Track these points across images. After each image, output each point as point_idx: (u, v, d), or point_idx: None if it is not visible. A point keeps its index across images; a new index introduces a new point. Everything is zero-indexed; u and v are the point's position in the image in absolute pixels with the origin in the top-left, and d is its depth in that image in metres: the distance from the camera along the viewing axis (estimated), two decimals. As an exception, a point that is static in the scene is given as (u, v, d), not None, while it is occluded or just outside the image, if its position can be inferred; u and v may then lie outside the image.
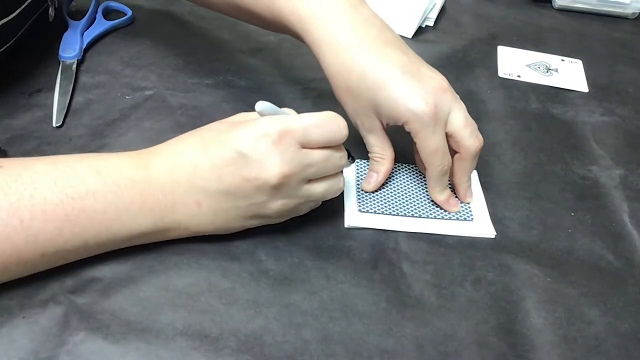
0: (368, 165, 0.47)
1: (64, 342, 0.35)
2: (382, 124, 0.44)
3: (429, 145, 0.42)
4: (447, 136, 0.42)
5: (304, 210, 0.41)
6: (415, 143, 0.43)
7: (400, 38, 0.45)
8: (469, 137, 0.42)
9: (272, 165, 0.36)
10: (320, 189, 0.40)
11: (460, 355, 0.37)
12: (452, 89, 0.43)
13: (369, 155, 0.46)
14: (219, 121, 0.40)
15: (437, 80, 0.42)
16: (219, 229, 0.40)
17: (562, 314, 0.40)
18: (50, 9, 0.55)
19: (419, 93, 0.41)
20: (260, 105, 0.38)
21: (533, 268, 0.43)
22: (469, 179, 0.46)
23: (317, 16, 0.43)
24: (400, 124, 0.42)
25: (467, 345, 0.38)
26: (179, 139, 0.40)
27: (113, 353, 0.35)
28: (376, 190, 0.47)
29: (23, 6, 0.47)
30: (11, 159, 0.37)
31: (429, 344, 0.37)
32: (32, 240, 0.34)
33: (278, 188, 0.37)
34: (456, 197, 0.46)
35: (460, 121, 0.42)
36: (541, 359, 0.37)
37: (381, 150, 0.45)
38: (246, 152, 0.36)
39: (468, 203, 0.46)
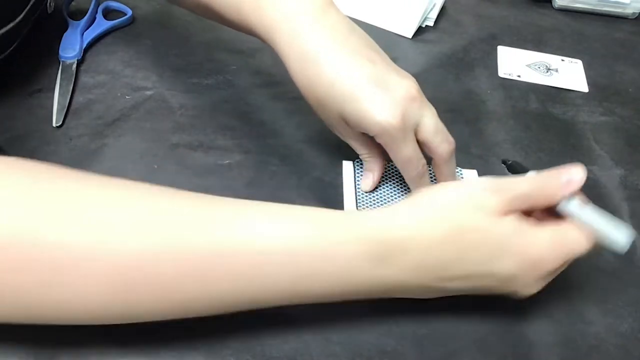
0: None
1: (64, 342, 0.35)
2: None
3: (401, 156, 0.41)
4: (419, 143, 0.42)
5: None
6: None
7: (368, 42, 0.43)
8: (440, 143, 0.42)
9: (534, 289, 0.36)
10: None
11: (460, 356, 0.37)
12: (421, 93, 0.42)
13: (360, 156, 0.46)
14: (472, 201, 0.35)
15: (404, 88, 0.41)
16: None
17: (562, 314, 0.40)
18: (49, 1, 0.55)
19: (386, 105, 0.39)
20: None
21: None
22: (453, 178, 0.45)
23: (282, 27, 0.42)
24: (371, 135, 0.42)
25: (467, 345, 0.38)
26: (429, 234, 0.34)
27: (113, 353, 0.35)
28: (376, 191, 0.47)
29: (27, 8, 0.47)
30: (237, 205, 0.36)
31: (429, 344, 0.38)
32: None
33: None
34: None
35: (429, 128, 0.41)
36: (541, 359, 0.37)
37: (368, 151, 0.45)
38: (515, 278, 0.35)
39: None
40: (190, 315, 0.33)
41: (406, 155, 0.41)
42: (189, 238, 0.32)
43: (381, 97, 0.40)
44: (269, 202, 0.36)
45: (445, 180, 0.44)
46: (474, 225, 0.34)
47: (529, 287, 0.36)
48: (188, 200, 0.35)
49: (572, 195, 0.36)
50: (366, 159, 0.46)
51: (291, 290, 0.34)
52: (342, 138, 0.45)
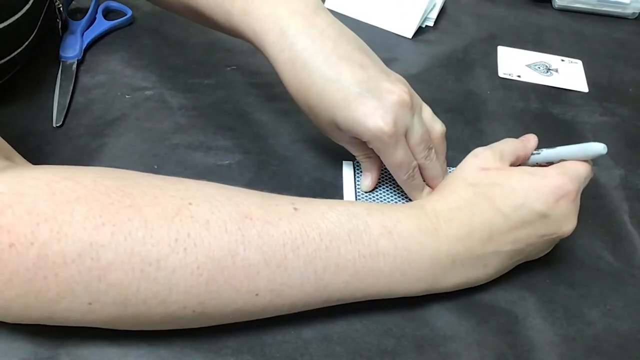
0: None
1: (64, 342, 0.35)
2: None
3: (393, 161, 0.42)
4: (410, 148, 0.42)
5: None
6: None
7: (359, 44, 0.43)
8: (423, 151, 0.43)
9: (570, 221, 0.39)
10: None
11: (460, 356, 0.37)
12: (413, 96, 0.42)
13: (356, 157, 0.46)
14: (477, 164, 0.41)
15: (396, 94, 0.40)
16: (479, 283, 0.40)
17: (561, 314, 0.40)
18: (58, 21, 0.55)
19: (377, 112, 0.40)
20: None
21: (533, 268, 0.43)
22: (441, 179, 0.46)
23: (272, 33, 0.41)
24: (362, 140, 0.42)
25: (467, 345, 0.38)
26: (461, 199, 0.38)
27: (113, 353, 0.35)
28: (376, 191, 0.47)
29: (28, 4, 0.47)
30: (300, 198, 0.37)
31: (428, 344, 0.38)
32: (321, 289, 0.35)
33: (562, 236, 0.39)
34: None
35: (417, 138, 0.42)
36: (541, 359, 0.38)
37: (363, 152, 0.45)
38: (548, 214, 0.37)
39: None
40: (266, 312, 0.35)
41: (397, 159, 0.42)
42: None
43: (372, 103, 0.40)
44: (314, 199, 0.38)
45: (433, 182, 0.45)
46: (492, 180, 0.39)
47: (565, 219, 0.38)
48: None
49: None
50: (363, 160, 0.46)
51: (355, 271, 0.35)
52: (336, 141, 0.45)
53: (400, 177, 0.43)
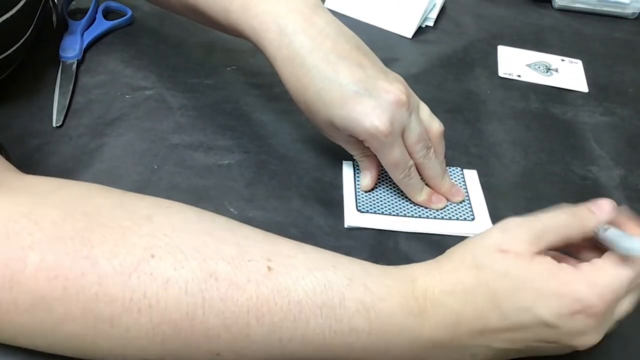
0: None
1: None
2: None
3: (389, 160, 0.42)
4: (407, 147, 0.42)
5: None
6: None
7: (357, 43, 0.43)
8: (421, 149, 0.43)
9: (588, 337, 0.32)
10: (620, 312, 0.34)
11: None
12: (410, 99, 0.42)
13: (354, 157, 0.46)
14: (497, 243, 0.33)
15: (393, 94, 0.40)
16: None
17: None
18: (53, 15, 0.55)
19: (375, 112, 0.40)
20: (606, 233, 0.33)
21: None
22: (445, 179, 0.46)
23: (271, 30, 0.42)
24: (359, 139, 0.42)
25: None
26: (459, 282, 0.33)
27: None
28: (375, 191, 0.47)
29: (21, 2, 0.47)
30: (279, 249, 0.33)
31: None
32: (287, 356, 0.32)
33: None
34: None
35: (414, 137, 0.42)
36: (541, 360, 0.37)
37: (361, 151, 0.45)
38: (557, 325, 0.31)
39: (459, 202, 0.46)
40: None
41: (394, 159, 0.42)
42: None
43: (369, 103, 0.40)
44: (304, 247, 0.35)
45: (432, 181, 0.45)
46: (504, 271, 0.32)
47: (584, 335, 0.32)
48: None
49: (606, 223, 0.34)
50: (360, 159, 0.46)
51: (323, 344, 0.32)
52: (333, 140, 0.45)
53: (396, 177, 0.43)
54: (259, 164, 0.48)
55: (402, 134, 0.41)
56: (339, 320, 0.32)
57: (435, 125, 0.44)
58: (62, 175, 0.45)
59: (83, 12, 0.60)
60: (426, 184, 0.45)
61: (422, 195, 0.45)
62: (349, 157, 0.48)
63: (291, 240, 0.35)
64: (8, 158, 0.42)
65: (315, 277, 0.32)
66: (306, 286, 0.31)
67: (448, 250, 0.35)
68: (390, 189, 0.47)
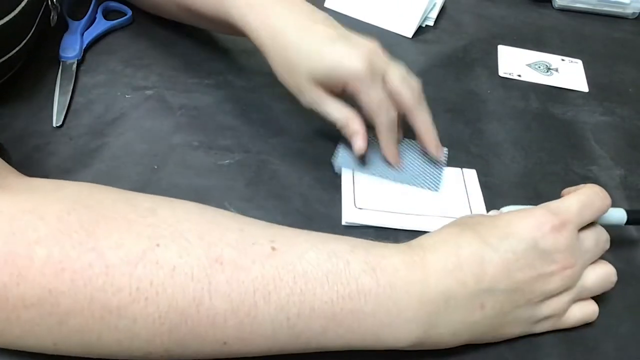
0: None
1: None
2: (328, 91, 0.45)
3: (372, 100, 0.43)
4: (393, 89, 0.44)
5: (568, 311, 0.38)
6: (359, 103, 0.44)
7: (332, 21, 0.46)
8: (407, 89, 0.44)
9: (575, 255, 0.36)
10: (592, 279, 0.38)
11: (459, 355, 0.37)
12: (384, 54, 0.44)
13: (337, 125, 0.46)
14: (466, 217, 0.39)
15: (369, 44, 0.44)
16: (484, 338, 0.37)
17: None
18: (52, 14, 0.55)
19: (353, 53, 0.42)
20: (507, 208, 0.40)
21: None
22: (430, 129, 0.46)
23: (255, 6, 0.46)
24: (340, 87, 0.44)
25: (466, 345, 0.38)
26: (447, 233, 0.36)
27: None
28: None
29: (23, 3, 0.47)
30: (282, 232, 0.35)
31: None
32: (295, 337, 0.32)
33: (565, 281, 0.36)
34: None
35: (395, 77, 0.44)
36: (541, 360, 0.37)
37: (341, 112, 0.45)
38: (536, 242, 0.35)
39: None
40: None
41: (377, 98, 0.43)
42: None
43: (347, 48, 0.43)
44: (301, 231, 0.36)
45: (423, 130, 0.46)
46: (480, 219, 0.38)
47: (567, 252, 0.35)
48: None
49: None
50: (343, 123, 0.45)
51: (332, 313, 0.32)
52: (316, 107, 0.45)
53: (380, 119, 0.44)
54: (259, 163, 0.48)
55: (384, 80, 0.43)
56: (346, 284, 0.32)
57: (413, 82, 0.45)
58: (62, 175, 0.45)
59: (83, 12, 0.60)
60: (422, 142, 0.47)
61: (395, 153, 0.47)
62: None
63: (291, 228, 0.36)
64: (8, 158, 0.43)
65: (318, 249, 0.33)
66: (310, 258, 0.32)
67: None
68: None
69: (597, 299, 0.41)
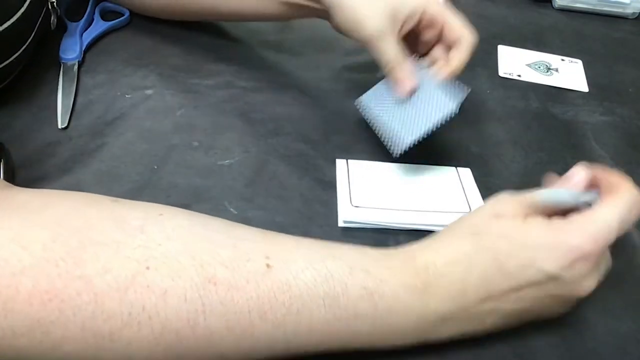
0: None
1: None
2: (395, 30, 0.46)
3: (458, 21, 0.48)
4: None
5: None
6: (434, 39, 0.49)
7: None
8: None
9: (588, 283, 0.34)
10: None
11: (459, 356, 0.37)
12: None
13: (386, 68, 0.46)
14: (492, 210, 0.35)
15: None
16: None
17: (561, 315, 0.40)
18: (52, 17, 0.55)
19: None
20: (544, 196, 0.35)
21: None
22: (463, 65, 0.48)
23: None
24: (417, 16, 0.47)
25: (466, 345, 0.38)
26: (461, 253, 0.34)
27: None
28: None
29: (24, 6, 0.47)
30: (277, 244, 0.34)
31: (428, 344, 0.37)
32: (293, 349, 0.32)
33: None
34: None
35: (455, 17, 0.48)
36: (541, 360, 0.37)
37: (396, 55, 0.46)
38: (560, 275, 0.33)
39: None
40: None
41: (460, 21, 0.49)
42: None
43: None
44: (300, 239, 0.35)
45: (461, 58, 0.48)
46: (502, 231, 0.34)
47: (582, 280, 0.34)
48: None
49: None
50: (395, 67, 0.46)
51: (329, 333, 0.32)
52: (374, 43, 0.46)
53: (469, 36, 0.48)
54: (259, 163, 0.48)
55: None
56: (343, 308, 0.32)
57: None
58: (63, 175, 0.45)
59: (80, 13, 0.60)
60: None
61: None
62: (347, 157, 0.48)
63: (288, 236, 0.35)
64: (9, 158, 0.43)
65: (315, 269, 0.32)
66: (306, 279, 0.32)
67: (444, 228, 0.37)
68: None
69: (597, 300, 0.41)
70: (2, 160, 0.41)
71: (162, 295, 0.29)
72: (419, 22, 0.48)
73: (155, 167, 0.47)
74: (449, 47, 0.49)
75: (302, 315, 0.31)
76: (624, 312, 0.41)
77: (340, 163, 0.49)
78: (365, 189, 0.46)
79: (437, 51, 0.50)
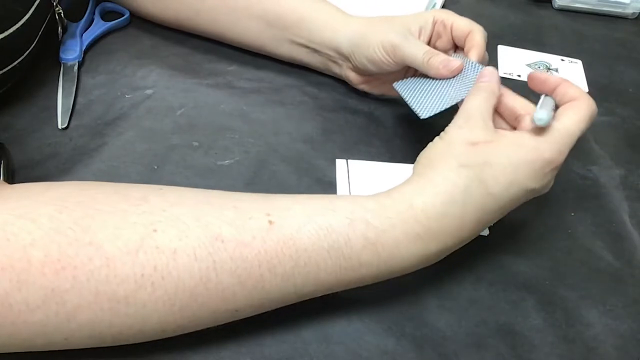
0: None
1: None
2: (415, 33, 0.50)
3: (464, 19, 0.50)
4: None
5: None
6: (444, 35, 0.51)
7: None
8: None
9: (552, 182, 0.39)
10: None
11: (459, 356, 0.37)
12: None
13: (423, 63, 0.47)
14: (468, 137, 0.37)
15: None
16: None
17: (561, 315, 0.40)
18: (58, 28, 0.56)
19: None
20: (541, 117, 0.37)
21: (533, 268, 0.43)
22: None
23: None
24: (430, 26, 0.50)
25: (466, 345, 0.38)
26: (454, 186, 0.36)
27: (108, 354, 0.35)
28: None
29: (29, 13, 0.47)
30: (276, 202, 0.35)
31: (428, 344, 0.38)
32: (303, 296, 0.35)
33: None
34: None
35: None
36: (541, 360, 0.38)
37: (424, 48, 0.48)
38: (536, 187, 0.37)
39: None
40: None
41: (465, 20, 0.51)
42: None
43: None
44: (299, 196, 0.36)
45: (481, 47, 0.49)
46: (484, 158, 0.36)
47: (550, 183, 0.39)
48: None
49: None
50: (431, 56, 0.47)
51: (337, 281, 0.34)
52: (403, 50, 0.48)
53: (481, 29, 0.50)
54: (259, 164, 0.48)
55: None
56: (348, 258, 0.34)
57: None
58: (63, 175, 0.45)
59: (81, 13, 0.60)
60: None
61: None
62: (346, 157, 0.48)
63: (285, 195, 0.36)
64: (9, 158, 0.43)
65: (316, 223, 0.33)
66: (309, 233, 0.33)
67: (422, 158, 0.39)
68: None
69: (597, 300, 0.41)
70: (2, 160, 0.41)
71: (172, 255, 0.30)
72: (432, 32, 0.51)
73: (155, 167, 0.47)
74: (462, 47, 0.50)
75: (309, 267, 0.33)
76: (624, 312, 0.41)
77: (340, 163, 0.49)
78: (365, 189, 0.46)
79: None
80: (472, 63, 0.47)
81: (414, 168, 0.39)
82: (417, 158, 0.39)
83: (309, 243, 0.33)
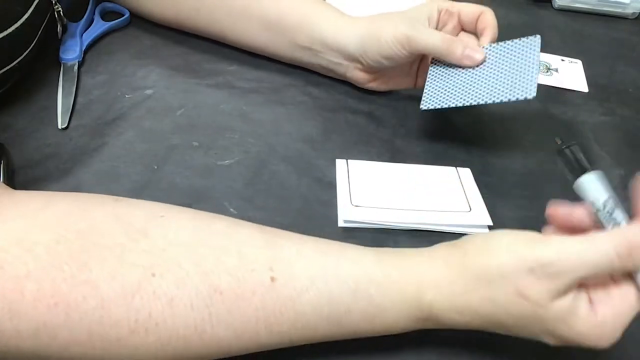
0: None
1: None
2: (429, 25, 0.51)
3: (470, 4, 0.51)
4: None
5: None
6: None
7: None
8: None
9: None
10: None
11: (460, 356, 0.37)
12: None
13: (442, 50, 0.49)
14: (517, 284, 0.31)
15: None
16: None
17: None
18: (58, 26, 0.56)
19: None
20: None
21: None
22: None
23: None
24: (435, 15, 0.51)
25: (467, 345, 0.38)
26: (471, 307, 0.33)
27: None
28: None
29: (29, 12, 0.47)
30: (281, 254, 0.33)
31: (428, 344, 0.37)
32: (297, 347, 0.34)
33: None
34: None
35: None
36: None
37: (442, 36, 0.49)
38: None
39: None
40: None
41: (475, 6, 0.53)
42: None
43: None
44: (307, 244, 0.35)
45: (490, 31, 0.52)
46: (519, 315, 0.32)
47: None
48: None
49: None
50: (450, 43, 0.49)
51: (332, 337, 0.34)
52: (421, 44, 0.49)
53: (492, 15, 0.51)
54: (259, 164, 0.48)
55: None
56: (345, 326, 0.34)
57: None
58: (63, 175, 0.45)
59: (81, 13, 0.60)
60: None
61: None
62: (346, 157, 0.48)
63: (290, 238, 0.35)
64: (9, 158, 0.43)
65: (319, 289, 0.32)
66: (310, 299, 0.32)
67: (460, 253, 0.34)
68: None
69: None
70: (2, 160, 0.41)
71: (169, 302, 0.30)
72: (437, 21, 0.52)
73: (155, 167, 0.47)
74: (472, 31, 0.52)
75: (306, 329, 0.33)
76: (624, 312, 0.41)
77: (340, 163, 0.49)
78: (365, 189, 0.46)
79: (464, 35, 0.53)
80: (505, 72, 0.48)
81: (462, 241, 0.35)
82: (473, 238, 0.35)
83: (309, 308, 0.32)
